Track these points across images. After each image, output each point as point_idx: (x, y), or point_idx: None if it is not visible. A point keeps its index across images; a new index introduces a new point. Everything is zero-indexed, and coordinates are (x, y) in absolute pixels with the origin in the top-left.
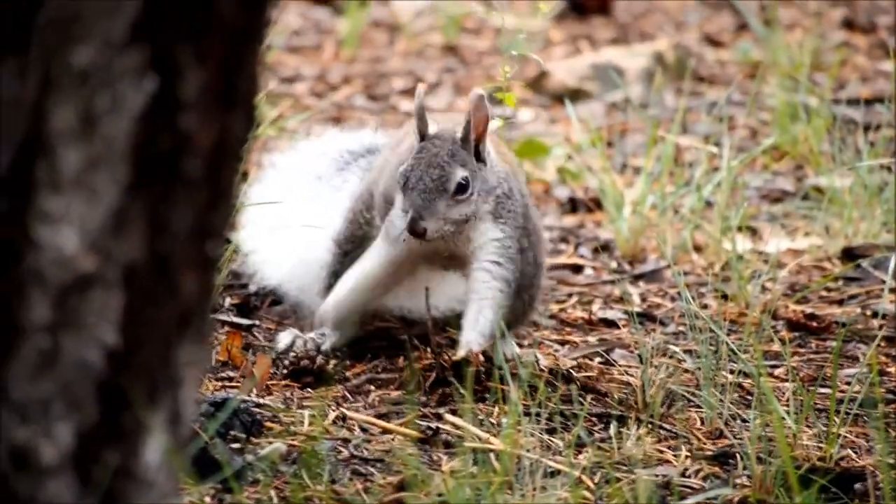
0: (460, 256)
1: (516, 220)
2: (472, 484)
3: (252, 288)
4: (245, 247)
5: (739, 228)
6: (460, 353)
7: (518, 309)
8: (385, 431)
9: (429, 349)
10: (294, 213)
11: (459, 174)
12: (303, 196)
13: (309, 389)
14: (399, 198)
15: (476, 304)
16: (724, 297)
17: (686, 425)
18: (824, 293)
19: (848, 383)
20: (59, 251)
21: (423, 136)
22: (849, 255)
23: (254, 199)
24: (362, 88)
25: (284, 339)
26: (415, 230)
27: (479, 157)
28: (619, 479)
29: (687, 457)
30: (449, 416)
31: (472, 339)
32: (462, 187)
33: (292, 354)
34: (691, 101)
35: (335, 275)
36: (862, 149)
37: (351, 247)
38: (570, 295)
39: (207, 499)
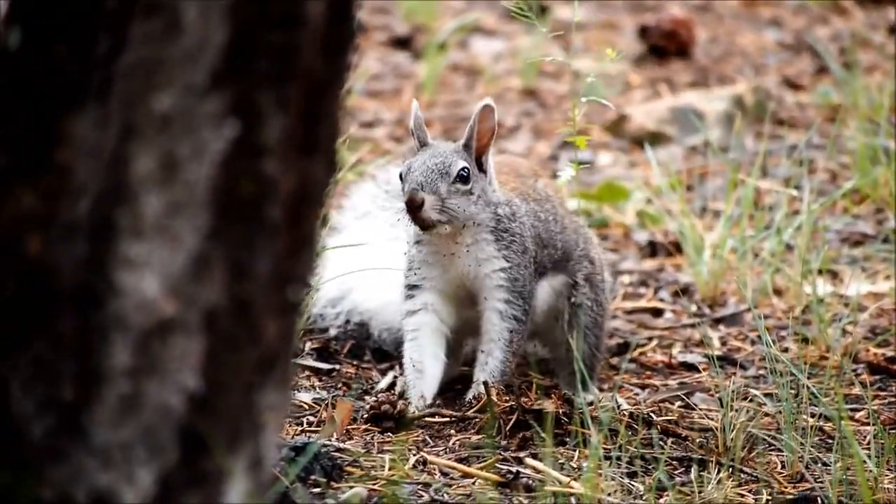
0: (476, 291)
1: (521, 246)
2: None
3: (332, 332)
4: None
5: (820, 272)
6: (469, 394)
7: (585, 353)
8: (465, 475)
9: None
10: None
11: (461, 163)
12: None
13: (389, 434)
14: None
15: (486, 345)
16: (805, 340)
17: (767, 469)
18: None
19: None
20: (141, 296)
21: (423, 144)
22: None
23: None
24: (441, 132)
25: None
26: (413, 200)
27: (481, 167)
28: None
29: (768, 500)
30: (529, 460)
31: (482, 380)
32: (463, 178)
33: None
34: (771, 144)
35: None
36: None
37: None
38: (650, 339)
39: None
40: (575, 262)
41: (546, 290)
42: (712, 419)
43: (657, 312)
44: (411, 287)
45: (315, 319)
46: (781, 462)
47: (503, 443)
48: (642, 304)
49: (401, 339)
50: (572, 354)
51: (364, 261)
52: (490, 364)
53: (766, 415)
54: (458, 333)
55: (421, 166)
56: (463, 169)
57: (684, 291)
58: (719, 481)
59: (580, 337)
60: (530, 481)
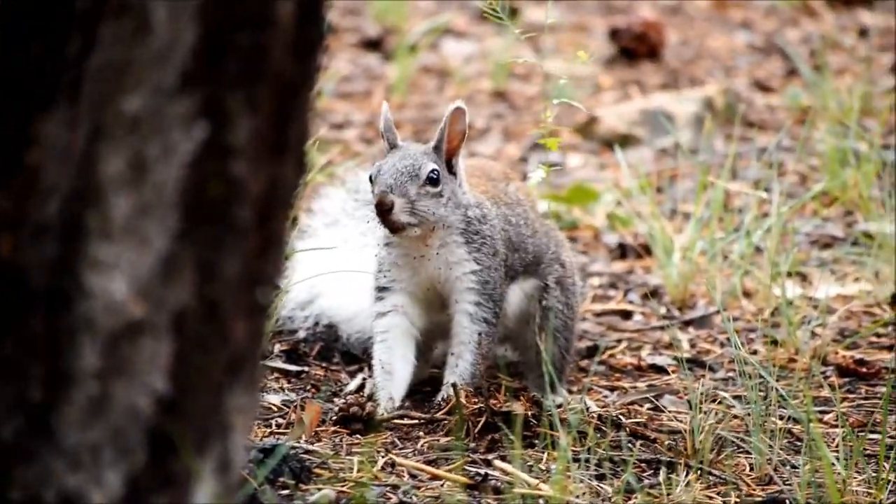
0: (446, 294)
1: (491, 248)
2: None
3: (301, 334)
4: (305, 285)
5: (789, 274)
6: (439, 396)
7: (555, 355)
8: (434, 478)
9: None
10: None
11: (431, 165)
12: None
13: (358, 436)
14: (371, 191)
15: (456, 348)
16: (774, 342)
17: (735, 471)
18: (874, 339)
19: None
20: (109, 298)
21: (393, 146)
22: None
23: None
24: (412, 134)
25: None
26: (382, 202)
27: (451, 170)
28: None
29: (736, 503)
30: (498, 462)
31: (451, 382)
32: (433, 180)
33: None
34: (741, 146)
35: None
36: None
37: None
38: (619, 341)
39: None
40: (546, 266)
41: (517, 294)
42: (681, 421)
43: (626, 314)
44: (381, 289)
45: (284, 321)
46: (750, 464)
47: (472, 445)
48: (612, 306)
49: (369, 344)
50: (542, 357)
51: (333, 267)
52: (460, 366)
53: (735, 417)
54: (427, 335)
55: (390, 168)
56: (433, 171)
57: (654, 294)
58: (688, 483)
59: (550, 339)
60: (499, 483)
